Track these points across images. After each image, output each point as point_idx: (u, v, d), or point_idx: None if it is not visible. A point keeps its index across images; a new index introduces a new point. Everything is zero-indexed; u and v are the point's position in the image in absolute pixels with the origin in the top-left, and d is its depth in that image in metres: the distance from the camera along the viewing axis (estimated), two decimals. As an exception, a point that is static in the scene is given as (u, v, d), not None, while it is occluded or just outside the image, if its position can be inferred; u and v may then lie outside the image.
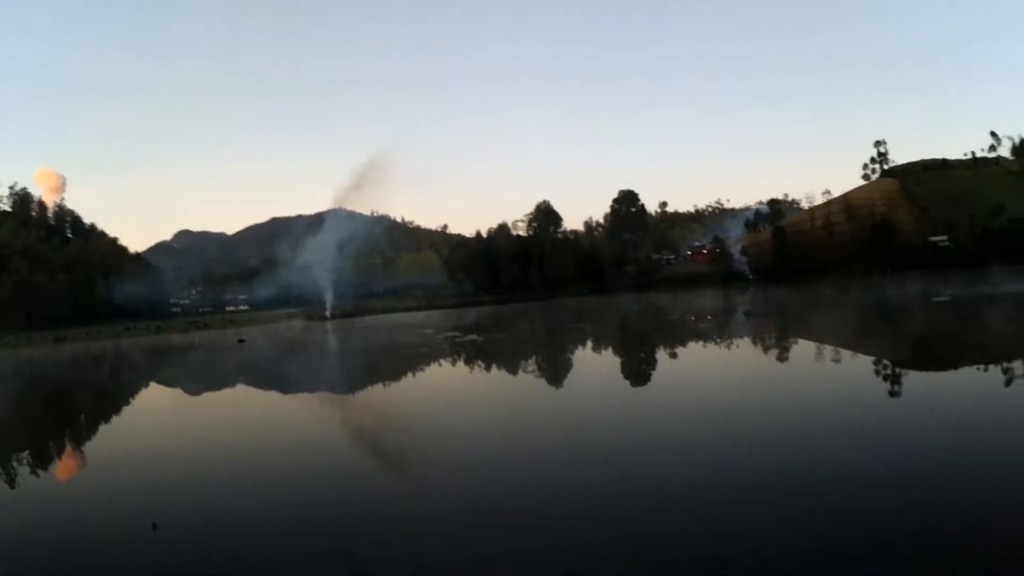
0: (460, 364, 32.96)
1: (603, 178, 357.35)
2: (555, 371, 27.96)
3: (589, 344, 39.33)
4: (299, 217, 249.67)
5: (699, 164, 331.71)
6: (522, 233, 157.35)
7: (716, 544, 7.17)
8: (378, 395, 24.45)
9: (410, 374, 29.39)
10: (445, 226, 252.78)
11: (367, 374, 31.54)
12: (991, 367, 20.96)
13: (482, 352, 35.74)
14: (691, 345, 33.99)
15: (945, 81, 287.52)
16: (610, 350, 36.94)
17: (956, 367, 22.04)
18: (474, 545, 7.73)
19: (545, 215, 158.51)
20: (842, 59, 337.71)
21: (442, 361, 34.37)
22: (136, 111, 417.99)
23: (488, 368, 31.44)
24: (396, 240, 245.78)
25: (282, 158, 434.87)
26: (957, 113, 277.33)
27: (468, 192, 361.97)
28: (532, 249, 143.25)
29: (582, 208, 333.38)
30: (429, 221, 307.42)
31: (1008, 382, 17.82)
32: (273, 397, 25.93)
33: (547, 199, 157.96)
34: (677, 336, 39.26)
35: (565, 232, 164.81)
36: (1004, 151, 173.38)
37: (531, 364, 31.29)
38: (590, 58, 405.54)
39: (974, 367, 21.31)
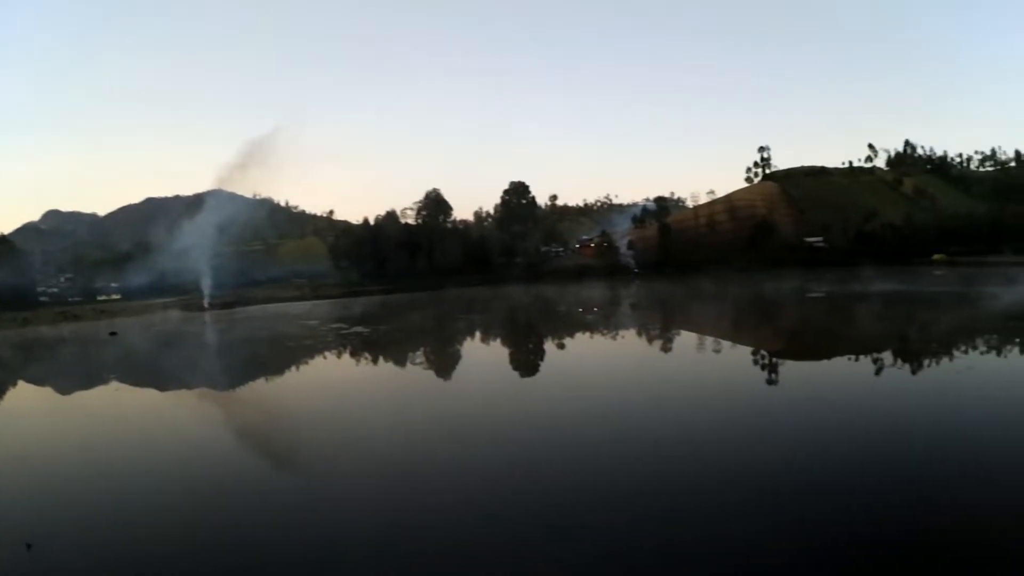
0: (346, 357, 32.65)
1: (495, 170, 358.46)
2: (444, 363, 28.30)
3: (478, 335, 39.84)
4: (177, 198, 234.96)
5: (590, 160, 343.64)
6: (411, 221, 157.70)
7: (620, 529, 8.78)
8: (260, 392, 24.60)
9: (294, 369, 29.73)
10: (331, 212, 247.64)
11: (248, 369, 31.23)
12: (861, 357, 24.14)
13: (368, 344, 35.95)
14: (579, 336, 35.27)
15: (829, 93, 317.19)
16: (499, 341, 37.55)
17: (829, 357, 25.20)
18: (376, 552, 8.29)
19: (435, 203, 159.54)
20: (732, 66, 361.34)
21: (327, 354, 33.95)
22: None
23: (375, 361, 31.02)
24: (280, 225, 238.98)
25: (160, 134, 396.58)
26: (839, 125, 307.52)
27: (356, 177, 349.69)
28: (420, 238, 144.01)
29: (473, 198, 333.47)
30: (315, 206, 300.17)
31: (878, 371, 20.66)
32: (151, 396, 25.34)
33: (437, 188, 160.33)
34: (565, 327, 40.45)
35: (455, 221, 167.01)
36: (880, 162, 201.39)
37: (419, 356, 31.42)
38: (484, 48, 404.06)
39: (845, 357, 24.45)
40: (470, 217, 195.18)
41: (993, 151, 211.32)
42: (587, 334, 36.22)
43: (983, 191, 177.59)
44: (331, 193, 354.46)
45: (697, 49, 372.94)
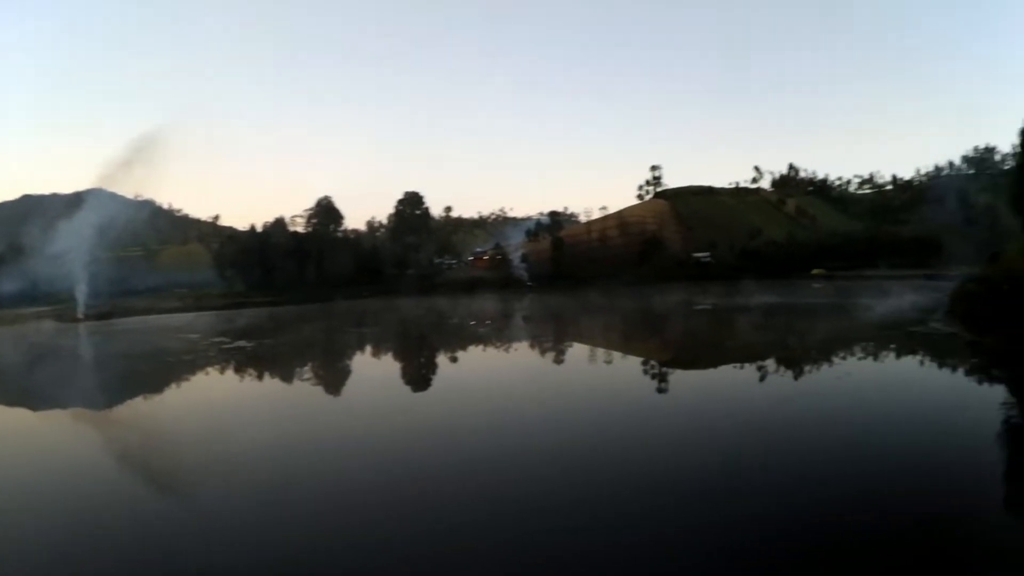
0: (229, 374, 31.06)
1: (389, 179, 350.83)
2: (332, 379, 27.62)
3: (369, 349, 39.32)
4: (55, 196, 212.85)
5: (486, 173, 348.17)
6: (300, 229, 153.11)
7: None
8: (136, 411, 23.50)
9: (173, 386, 28.06)
10: (217, 216, 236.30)
11: (124, 387, 29.41)
12: (747, 365, 25.82)
13: (253, 360, 34.85)
14: (472, 349, 35.60)
15: (719, 117, 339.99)
16: (390, 355, 37.26)
17: (716, 366, 26.70)
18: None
19: (326, 212, 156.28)
20: (626, 87, 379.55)
21: (209, 371, 32.20)
22: None
23: (259, 377, 29.74)
24: (161, 229, 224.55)
25: (39, 125, 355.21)
26: (727, 147, 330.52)
27: (244, 181, 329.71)
28: (310, 246, 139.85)
29: (366, 208, 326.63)
30: (199, 210, 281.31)
31: (762, 378, 22.35)
32: (18, 416, 23.90)
33: (329, 195, 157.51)
34: (458, 340, 40.82)
35: (346, 231, 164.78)
36: (765, 183, 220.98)
37: (306, 372, 30.40)
38: (379, 55, 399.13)
39: (732, 365, 26.10)
40: (362, 227, 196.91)
41: (871, 175, 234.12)
42: (480, 347, 36.39)
43: (860, 211, 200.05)
44: (217, 197, 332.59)
45: (592, 68, 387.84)
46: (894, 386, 21.25)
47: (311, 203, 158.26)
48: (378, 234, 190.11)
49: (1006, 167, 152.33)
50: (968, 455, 13.11)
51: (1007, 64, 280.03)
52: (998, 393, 20.62)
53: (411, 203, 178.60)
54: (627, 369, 26.46)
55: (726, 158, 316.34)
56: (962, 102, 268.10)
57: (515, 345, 35.94)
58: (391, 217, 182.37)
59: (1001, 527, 9.64)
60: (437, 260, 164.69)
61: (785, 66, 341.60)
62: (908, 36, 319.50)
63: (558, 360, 29.59)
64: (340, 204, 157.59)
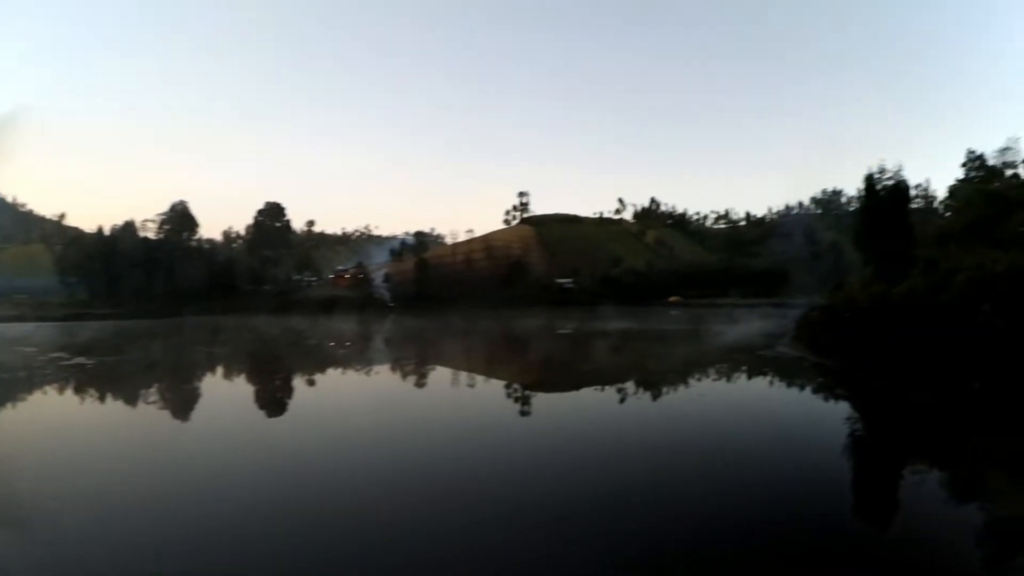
0: (68, 394, 28.15)
1: (250, 187, 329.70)
2: (180, 404, 25.40)
3: (220, 371, 37.04)
4: None
5: (353, 188, 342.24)
6: (151, 235, 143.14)
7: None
8: None
9: None
10: (63, 215, 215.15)
11: None
12: (607, 388, 26.83)
13: (93, 379, 31.79)
14: (330, 372, 34.81)
15: (587, 147, 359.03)
16: (243, 378, 35.27)
17: (577, 388, 27.52)
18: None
19: (180, 217, 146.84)
20: (498, 115, 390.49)
21: (48, 390, 29.08)
22: None
23: (101, 399, 27.05)
24: (3, 226, 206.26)
25: None
26: (593, 178, 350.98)
27: (96, 177, 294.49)
28: (161, 255, 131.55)
29: (223, 216, 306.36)
30: (45, 206, 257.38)
31: (622, 400, 23.18)
32: None
33: (185, 200, 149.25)
34: (316, 362, 39.69)
35: (201, 240, 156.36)
36: (628, 215, 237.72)
37: (152, 395, 28.18)
38: (243, 60, 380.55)
39: (592, 388, 27.10)
40: (218, 236, 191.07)
41: (726, 211, 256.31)
42: (339, 369, 35.52)
43: (716, 244, 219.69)
44: (64, 192, 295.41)
45: (465, 92, 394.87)
46: (747, 405, 22.73)
47: (165, 206, 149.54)
48: (235, 245, 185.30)
49: (851, 208, 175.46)
50: (815, 465, 14.12)
51: (852, 118, 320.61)
52: (842, 409, 22.58)
53: (272, 214, 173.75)
54: (490, 392, 26.52)
55: (592, 189, 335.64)
56: (812, 148, 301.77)
57: (375, 368, 35.22)
58: (249, 228, 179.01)
59: (852, 532, 10.32)
60: (296, 277, 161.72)
61: (650, 104, 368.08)
62: (765, 86, 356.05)
63: (419, 384, 29.31)
64: (196, 210, 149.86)
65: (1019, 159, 32.88)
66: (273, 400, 25.96)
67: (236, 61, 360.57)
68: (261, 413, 23.39)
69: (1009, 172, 33.22)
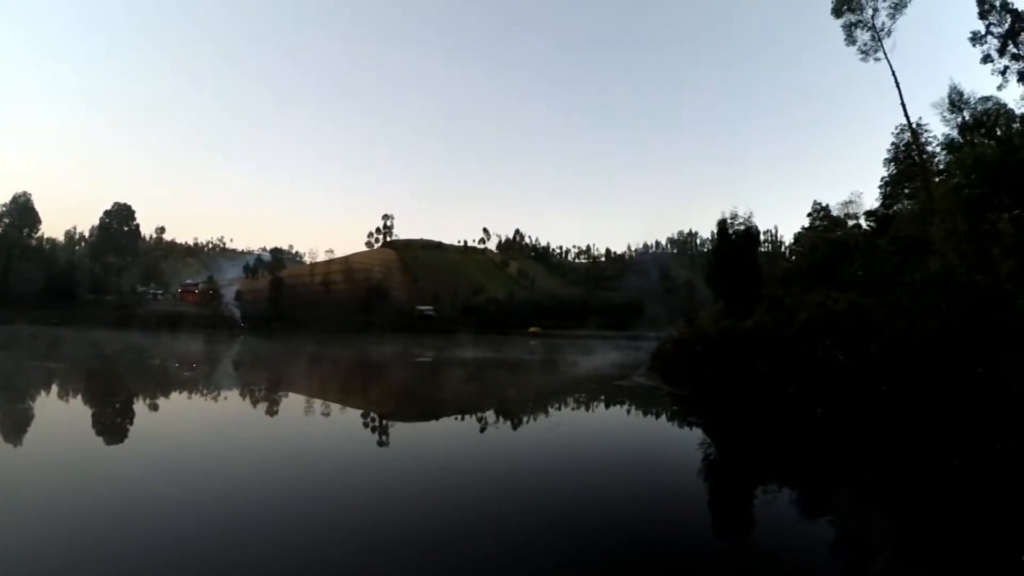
0: None
1: (98, 185, 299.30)
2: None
3: (55, 390, 33.01)
4: None
5: (209, 196, 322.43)
6: None
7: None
8: None
9: None
10: None
11: None
12: (467, 417, 26.88)
13: None
14: (175, 396, 32.54)
15: (455, 176, 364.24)
16: (80, 399, 31.58)
17: (437, 418, 27.09)
18: None
19: (22, 212, 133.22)
20: (366, 134, 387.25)
21: None
22: None
23: None
24: None
25: None
26: (461, 207, 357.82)
27: None
28: None
29: (67, 214, 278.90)
30: None
31: (483, 429, 23.17)
32: None
33: (28, 192, 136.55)
34: (160, 385, 36.84)
35: (42, 239, 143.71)
36: (492, 245, 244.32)
37: None
38: (94, 53, 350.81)
39: (452, 417, 26.85)
40: (61, 236, 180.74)
41: (588, 247, 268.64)
42: (185, 393, 33.27)
43: (576, 277, 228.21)
44: None
45: (334, 110, 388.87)
46: (604, 432, 23.39)
47: (6, 197, 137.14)
48: (78, 248, 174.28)
49: (704, 249, 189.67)
50: (672, 488, 14.63)
51: (710, 166, 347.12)
52: (696, 434, 23.58)
53: (120, 216, 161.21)
54: (345, 422, 25.63)
55: (458, 217, 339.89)
56: (671, 191, 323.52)
57: (224, 393, 32.88)
58: (95, 230, 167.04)
59: (712, 550, 10.68)
60: (142, 288, 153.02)
61: (519, 139, 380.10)
62: (628, 130, 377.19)
63: (271, 411, 28.02)
64: (39, 203, 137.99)
65: (860, 211, 36.41)
66: (114, 425, 23.87)
67: (91, 48, 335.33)
68: (100, 440, 21.22)
69: (851, 222, 36.64)
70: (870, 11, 31.16)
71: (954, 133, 32.68)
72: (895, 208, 32.72)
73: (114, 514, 12.09)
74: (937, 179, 28.75)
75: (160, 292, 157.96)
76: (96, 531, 11.17)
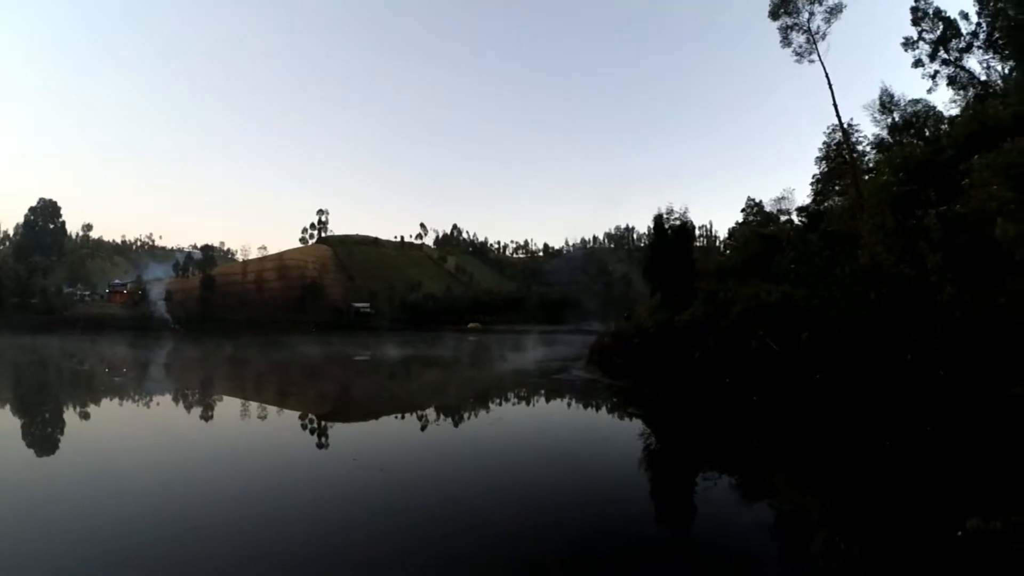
0: None
1: (23, 178, 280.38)
2: None
3: None
4: None
5: (136, 190, 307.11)
6: None
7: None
8: None
9: None
10: None
11: None
12: (407, 415, 26.66)
13: None
14: (106, 403, 30.82)
15: (392, 171, 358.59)
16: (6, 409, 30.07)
17: (376, 417, 26.80)
18: None
19: None
20: (298, 128, 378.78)
21: None
22: None
23: None
24: None
25: None
26: (398, 202, 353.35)
27: None
28: None
29: None
30: None
31: (423, 428, 23.20)
32: None
33: None
34: (88, 392, 34.89)
35: None
36: (429, 240, 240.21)
37: None
38: (31, 32, 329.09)
39: (393, 416, 26.65)
40: None
41: (526, 242, 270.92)
42: (116, 400, 31.75)
43: (514, 273, 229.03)
44: None
45: (267, 103, 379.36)
46: (545, 426, 23.63)
47: None
48: (1, 248, 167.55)
49: (641, 244, 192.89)
50: (612, 479, 14.88)
51: (646, 162, 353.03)
52: (636, 425, 23.83)
53: (45, 213, 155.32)
54: (282, 424, 25.13)
55: (394, 212, 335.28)
56: (607, 187, 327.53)
57: (157, 399, 31.76)
58: (19, 227, 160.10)
59: (654, 538, 10.91)
60: (68, 289, 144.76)
61: (457, 132, 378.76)
62: (566, 126, 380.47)
63: (205, 416, 27.22)
64: None
65: (792, 207, 37.39)
66: (42, 435, 22.95)
67: (11, 38, 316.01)
68: (30, 452, 20.19)
69: (783, 218, 37.63)
70: (806, 15, 31.82)
71: (884, 133, 34.14)
72: (826, 204, 33.75)
73: (44, 519, 11.65)
74: (867, 177, 29.69)
75: (87, 293, 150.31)
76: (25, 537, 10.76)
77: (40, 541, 10.58)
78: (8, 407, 29.92)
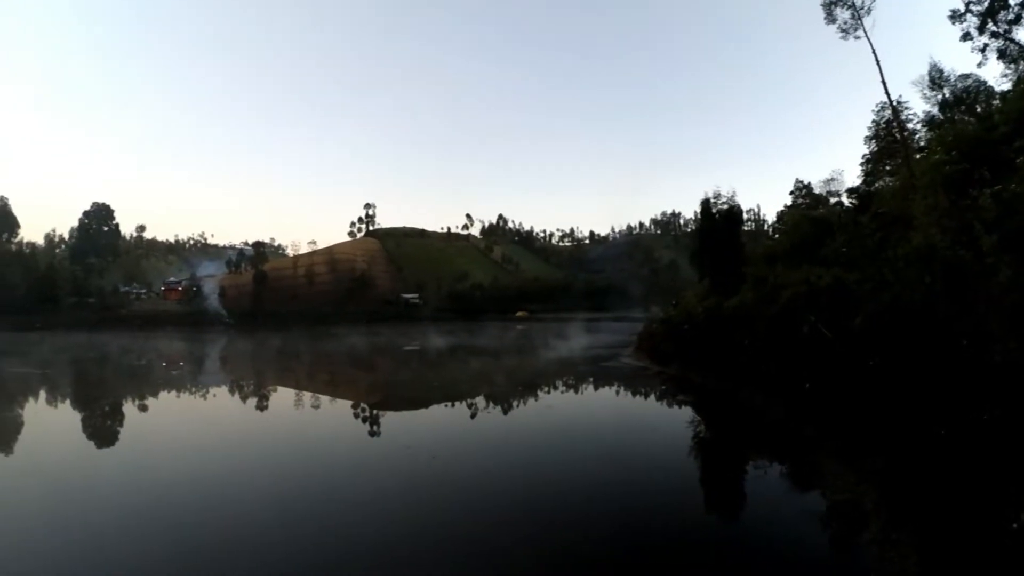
0: None
1: (76, 185, 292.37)
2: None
3: (43, 397, 32.13)
4: None
5: (187, 191, 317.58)
6: None
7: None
8: None
9: None
10: None
11: None
12: (458, 403, 26.94)
13: None
14: (163, 396, 31.96)
15: (438, 164, 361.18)
16: (68, 403, 31.19)
17: (427, 406, 26.90)
18: None
19: (0, 218, 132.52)
20: (346, 123, 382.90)
21: None
22: None
23: None
24: None
25: None
26: (443, 194, 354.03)
27: None
28: None
29: (45, 217, 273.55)
30: None
31: (473, 415, 23.42)
32: None
33: (5, 196, 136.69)
34: (147, 385, 36.20)
35: (21, 243, 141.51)
36: (475, 231, 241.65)
37: None
38: (84, 46, 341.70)
39: (443, 404, 26.89)
40: (40, 239, 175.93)
41: (571, 229, 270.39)
42: (173, 392, 32.82)
43: (560, 261, 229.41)
44: None
45: (314, 99, 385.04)
46: (597, 414, 23.82)
47: None
48: (58, 251, 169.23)
49: (688, 229, 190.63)
50: (662, 467, 14.88)
51: (693, 145, 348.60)
52: (686, 413, 23.76)
53: (99, 217, 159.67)
54: (336, 413, 25.77)
55: (440, 203, 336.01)
56: (654, 172, 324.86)
57: (214, 391, 32.67)
58: (74, 231, 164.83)
59: (705, 527, 10.94)
60: (124, 288, 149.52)
61: (501, 123, 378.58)
62: (610, 112, 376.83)
63: (261, 406, 28.01)
64: (17, 209, 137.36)
65: (842, 189, 36.48)
66: (104, 429, 23.58)
67: (62, 48, 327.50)
68: (92, 444, 20.99)
69: (833, 200, 36.75)
70: (851, -11, 31.09)
71: (934, 110, 32.97)
72: (877, 185, 32.91)
73: (120, 510, 12.07)
74: (918, 156, 28.76)
75: (143, 291, 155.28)
76: (106, 526, 11.14)
77: (118, 528, 11.01)
78: (73, 401, 31.37)
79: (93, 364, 50.06)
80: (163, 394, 32.23)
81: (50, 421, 25.18)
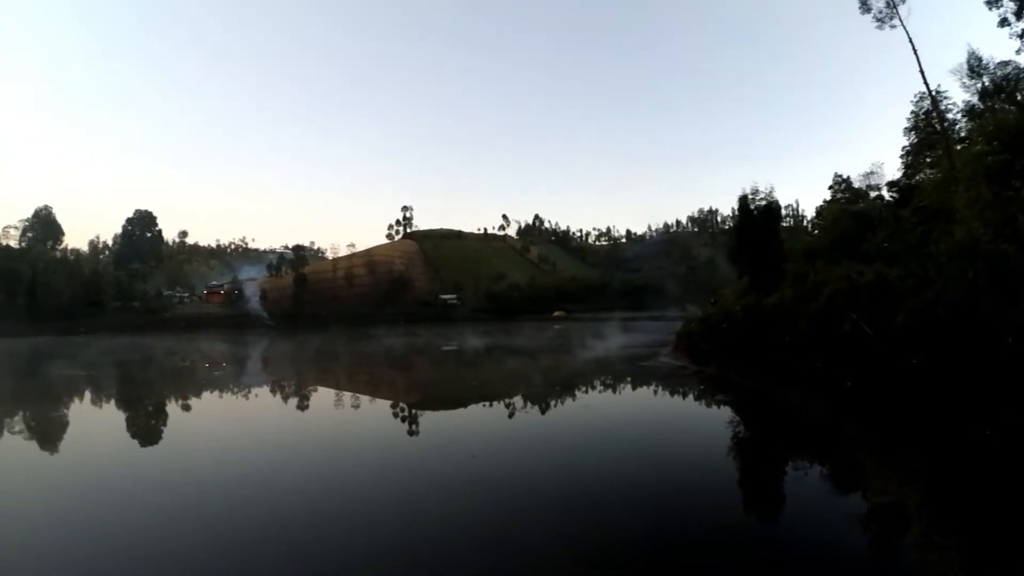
0: None
1: (118, 192, 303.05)
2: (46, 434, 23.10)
3: (88, 397, 33.08)
4: None
5: (228, 197, 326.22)
6: (13, 243, 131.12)
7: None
8: None
9: None
10: None
11: None
12: (495, 403, 27.02)
13: None
14: (207, 396, 32.68)
15: (473, 165, 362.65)
16: (112, 404, 31.77)
17: (465, 405, 27.01)
18: None
19: (44, 225, 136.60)
20: (382, 125, 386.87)
21: None
22: None
23: None
24: None
25: None
26: (479, 195, 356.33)
27: None
28: (23, 266, 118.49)
29: (90, 223, 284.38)
30: None
31: (511, 415, 23.59)
32: None
33: (49, 205, 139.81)
34: (191, 386, 37.20)
35: (66, 250, 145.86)
36: (512, 231, 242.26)
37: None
38: (124, 53, 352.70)
39: (480, 404, 26.90)
40: (84, 246, 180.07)
41: (608, 228, 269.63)
42: (216, 393, 33.56)
43: (597, 260, 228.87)
44: None
45: (346, 102, 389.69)
46: (635, 413, 23.69)
47: (29, 211, 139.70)
48: (102, 257, 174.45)
49: (725, 226, 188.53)
50: (701, 468, 14.75)
51: (729, 142, 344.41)
52: (724, 413, 23.51)
53: (142, 223, 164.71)
54: (376, 413, 26.12)
55: (476, 204, 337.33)
56: (690, 170, 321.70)
57: (255, 391, 33.43)
58: (117, 238, 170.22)
59: (739, 524, 10.91)
60: (167, 292, 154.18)
61: (537, 122, 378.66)
62: (647, 110, 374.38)
63: (301, 406, 28.53)
64: (61, 216, 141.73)
65: (882, 182, 35.59)
66: (149, 427, 24.19)
67: (102, 56, 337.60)
68: (135, 442, 21.46)
69: (873, 194, 35.88)
70: (884, -22, 30.62)
71: (974, 99, 32.04)
72: (917, 178, 32.13)
73: (156, 508, 12.21)
74: (959, 147, 28.09)
75: (186, 295, 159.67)
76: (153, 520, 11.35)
77: (153, 525, 11.19)
78: (117, 401, 32.25)
79: (137, 366, 51.20)
80: (205, 394, 32.97)
81: (95, 420, 25.84)
